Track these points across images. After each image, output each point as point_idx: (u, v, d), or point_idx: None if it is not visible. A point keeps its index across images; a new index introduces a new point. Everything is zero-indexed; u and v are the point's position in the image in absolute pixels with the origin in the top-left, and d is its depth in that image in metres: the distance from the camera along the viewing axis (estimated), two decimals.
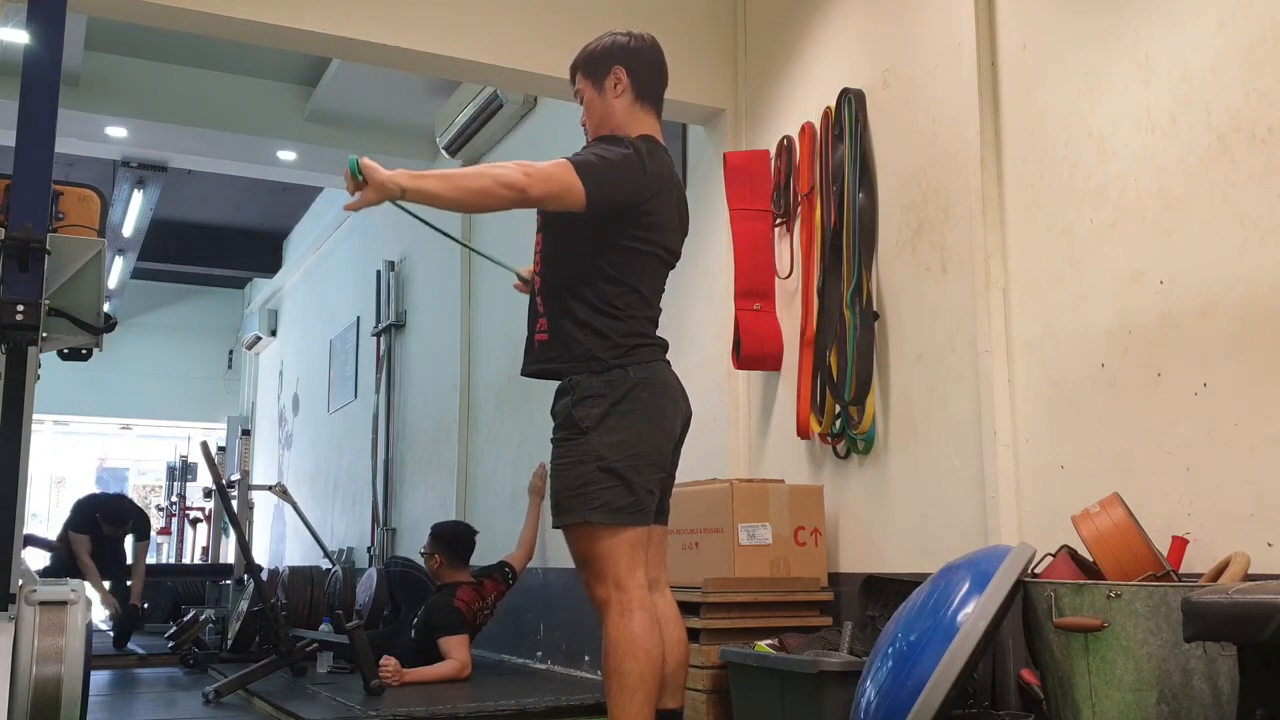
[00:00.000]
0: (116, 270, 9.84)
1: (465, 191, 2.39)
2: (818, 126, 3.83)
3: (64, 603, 2.42)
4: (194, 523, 10.85)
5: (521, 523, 5.31)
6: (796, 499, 3.52)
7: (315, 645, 4.94)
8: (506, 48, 3.99)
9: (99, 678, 5.05)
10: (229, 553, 7.83)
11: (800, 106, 3.97)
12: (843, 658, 2.80)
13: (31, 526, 8.63)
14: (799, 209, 3.87)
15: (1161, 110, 2.69)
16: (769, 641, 3.10)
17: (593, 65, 2.68)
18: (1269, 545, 2.36)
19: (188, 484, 10.67)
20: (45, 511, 13.46)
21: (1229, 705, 2.07)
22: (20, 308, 2.43)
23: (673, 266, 2.69)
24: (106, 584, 6.80)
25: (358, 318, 8.55)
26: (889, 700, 2.29)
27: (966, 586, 2.31)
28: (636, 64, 2.65)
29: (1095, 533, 2.42)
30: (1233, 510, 2.45)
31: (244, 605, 5.70)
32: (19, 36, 3.13)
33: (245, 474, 7.02)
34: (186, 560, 10.78)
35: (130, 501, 6.97)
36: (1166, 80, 2.69)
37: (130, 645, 6.38)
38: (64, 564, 6.42)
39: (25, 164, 2.54)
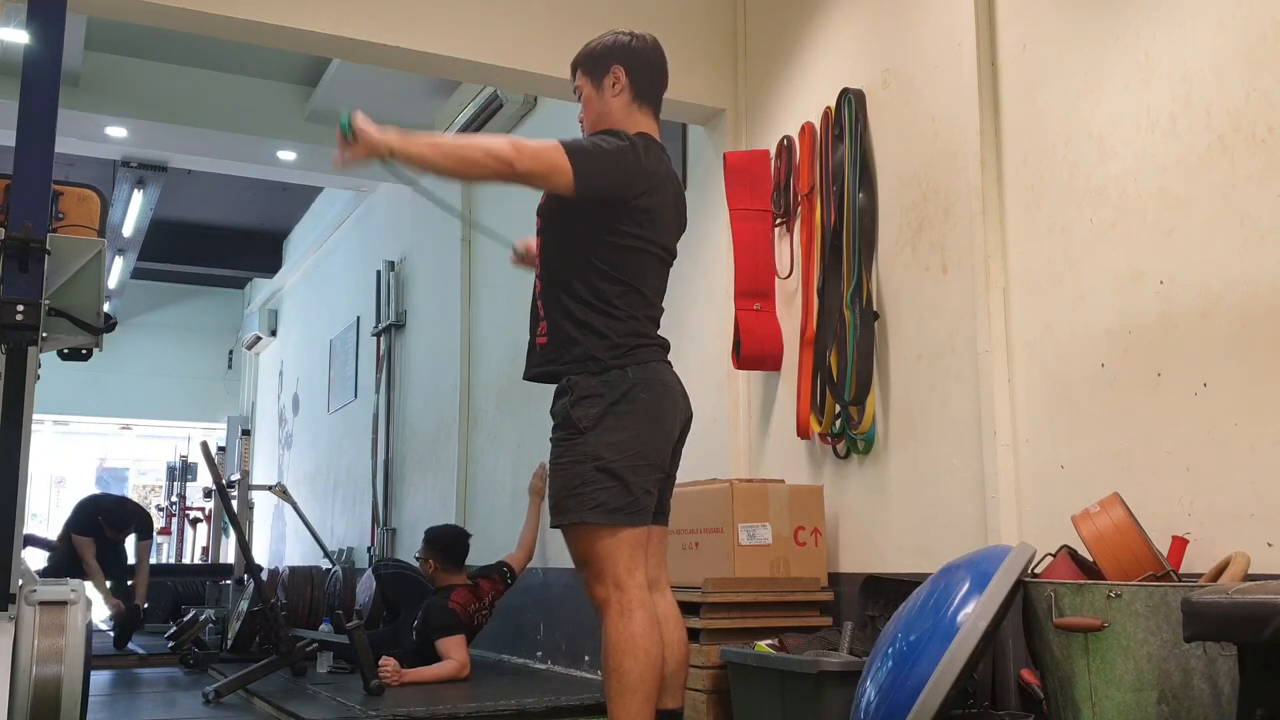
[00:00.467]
0: (116, 270, 9.84)
1: (453, 159, 2.40)
2: (818, 126, 3.83)
3: (64, 603, 2.42)
4: (194, 523, 10.85)
5: (521, 523, 5.31)
6: (796, 499, 3.52)
7: (315, 645, 4.94)
8: (506, 48, 4.00)
9: (99, 678, 5.05)
10: (229, 553, 7.84)
11: (800, 106, 3.98)
12: (843, 658, 2.80)
13: (31, 526, 8.62)
14: (799, 209, 3.87)
15: (1161, 110, 2.69)
16: (769, 641, 3.10)
17: (592, 63, 2.68)
18: (1269, 545, 2.36)
19: (188, 484, 10.68)
20: (45, 511, 13.46)
21: (1229, 705, 2.07)
22: (20, 308, 2.43)
23: (670, 265, 2.69)
24: (108, 584, 6.80)
25: (358, 318, 8.55)
26: (889, 700, 2.29)
27: (966, 586, 2.31)
28: (636, 64, 2.65)
29: (1095, 533, 2.42)
30: (1233, 510, 2.45)
31: (244, 605, 5.70)
32: (19, 36, 3.13)
33: (245, 474, 7.02)
34: (186, 560, 10.78)
35: (132, 504, 6.96)
36: (1166, 80, 2.69)
37: (130, 645, 6.37)
38: (63, 564, 6.41)
39: (25, 164, 2.54)
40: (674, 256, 2.71)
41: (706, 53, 4.33)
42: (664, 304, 2.69)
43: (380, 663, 4.21)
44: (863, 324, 3.50)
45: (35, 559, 6.52)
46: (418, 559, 5.15)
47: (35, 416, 2.51)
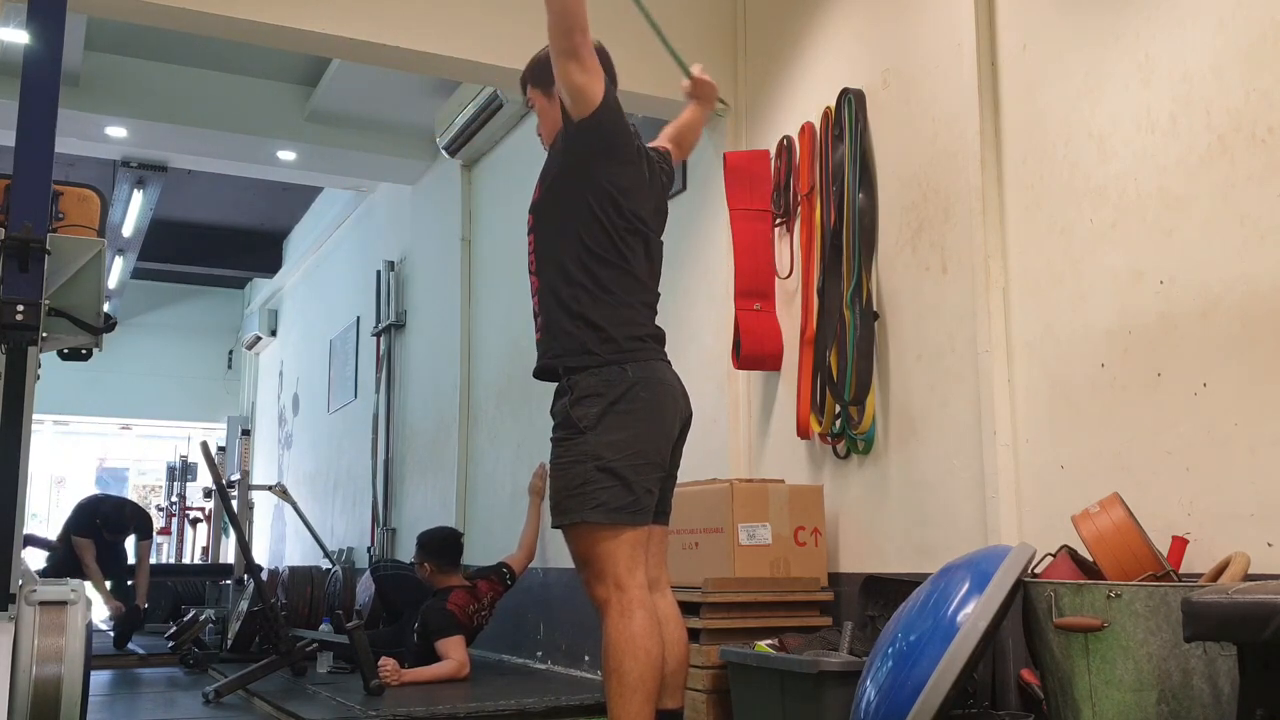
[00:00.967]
0: (116, 270, 9.83)
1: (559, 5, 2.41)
2: (818, 126, 3.83)
3: (64, 603, 2.42)
4: (194, 523, 10.85)
5: (521, 523, 5.31)
6: (796, 499, 3.52)
7: (315, 645, 4.94)
8: (506, 48, 3.99)
9: (99, 678, 5.05)
10: (229, 553, 7.84)
11: (800, 106, 3.98)
12: (843, 658, 2.80)
13: (31, 526, 8.62)
14: (799, 209, 3.87)
15: (1161, 110, 2.69)
16: (769, 641, 3.10)
17: (539, 74, 2.72)
18: (1269, 545, 2.36)
19: (188, 484, 10.67)
20: (45, 511, 13.46)
21: (1229, 705, 2.07)
22: (20, 308, 2.43)
23: (658, 241, 2.70)
24: (108, 584, 6.80)
25: (358, 318, 8.55)
26: (889, 700, 2.29)
27: (966, 586, 2.31)
28: None
29: (1095, 533, 2.42)
30: (1233, 510, 2.45)
31: (244, 605, 5.70)
32: (19, 36, 3.13)
33: (245, 474, 7.02)
34: (186, 560, 10.78)
35: (131, 506, 6.96)
36: (1166, 80, 2.69)
37: (130, 645, 6.38)
38: (63, 564, 6.42)
39: (25, 164, 2.54)
40: (661, 228, 2.73)
41: (706, 53, 4.32)
42: (663, 305, 2.69)
43: (380, 663, 4.21)
44: (863, 324, 3.50)
45: (35, 559, 6.53)
46: (413, 564, 5.16)
47: (35, 416, 2.51)
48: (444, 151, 6.41)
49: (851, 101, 3.66)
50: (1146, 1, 2.76)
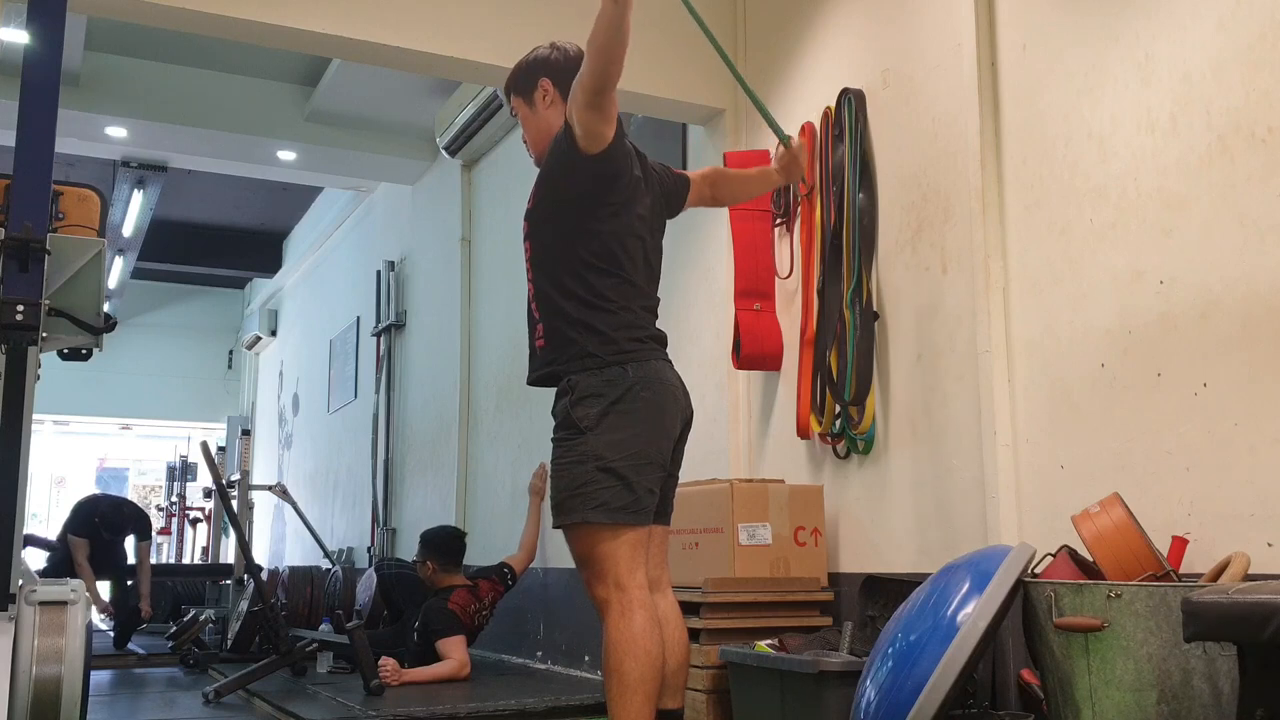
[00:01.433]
0: (116, 270, 9.84)
1: (600, 45, 2.33)
2: (818, 126, 3.83)
3: (64, 603, 2.42)
4: (194, 523, 10.85)
5: (522, 523, 5.31)
6: (796, 499, 3.52)
7: (315, 645, 4.94)
8: (506, 48, 3.99)
9: (99, 678, 5.06)
10: (229, 553, 7.84)
11: (800, 106, 3.97)
12: (843, 658, 2.80)
13: (31, 526, 8.64)
14: (799, 209, 3.87)
15: (1161, 110, 2.69)
16: (769, 641, 3.10)
17: (520, 82, 2.74)
18: (1269, 545, 2.36)
19: (188, 484, 10.67)
20: (45, 511, 13.47)
21: (1229, 705, 2.07)
22: (20, 308, 2.43)
23: (657, 247, 2.70)
24: (107, 584, 6.80)
25: (358, 318, 8.55)
26: (889, 700, 2.29)
27: (966, 586, 2.31)
28: (558, 72, 2.68)
29: (1095, 533, 2.42)
30: (1233, 510, 2.45)
31: (244, 605, 5.70)
32: (19, 36, 3.13)
33: (245, 474, 7.02)
34: (186, 560, 10.77)
35: (130, 507, 6.96)
36: (1166, 80, 2.69)
37: (130, 645, 6.38)
38: (62, 564, 6.42)
39: (25, 164, 2.54)
40: (660, 234, 2.73)
41: (707, 53, 4.31)
42: (663, 306, 2.69)
43: (380, 663, 4.21)
44: (863, 324, 3.50)
45: (35, 559, 6.53)
46: (415, 562, 5.16)
47: (35, 416, 2.51)
48: (444, 151, 6.41)
49: (851, 101, 3.66)
50: (1146, 1, 2.76)
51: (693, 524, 3.50)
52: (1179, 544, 2.47)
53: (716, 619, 3.29)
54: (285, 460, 10.74)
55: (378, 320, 7.95)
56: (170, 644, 5.81)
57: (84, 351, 2.77)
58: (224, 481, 5.80)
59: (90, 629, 2.50)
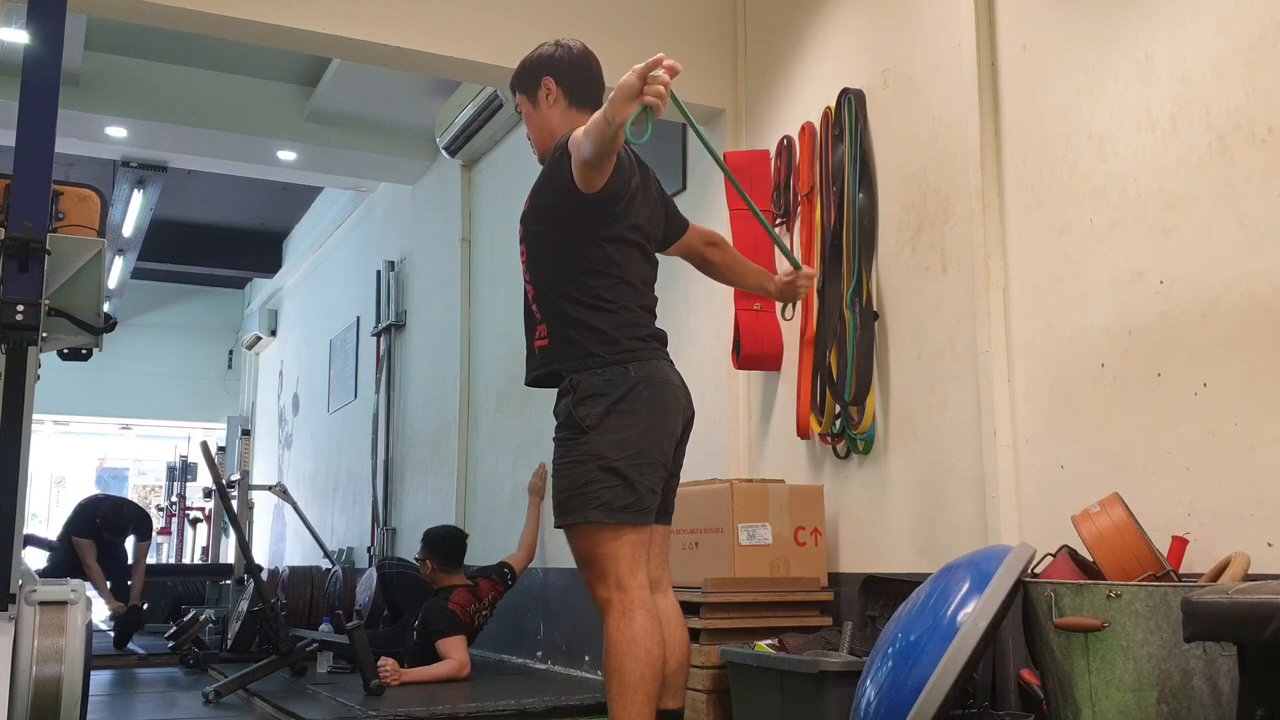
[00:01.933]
0: (116, 270, 9.83)
1: (596, 143, 2.31)
2: (818, 126, 3.83)
3: (64, 603, 2.42)
4: (194, 523, 10.85)
5: (521, 523, 5.31)
6: (796, 499, 3.52)
7: (315, 645, 4.94)
8: (506, 48, 3.99)
9: (99, 678, 5.05)
10: (229, 553, 7.84)
11: (800, 106, 3.98)
12: (843, 658, 2.80)
13: (31, 526, 8.63)
14: (799, 209, 3.87)
15: (1161, 110, 2.69)
16: (769, 641, 3.10)
17: (523, 80, 2.73)
18: (1269, 545, 2.36)
19: (188, 484, 10.67)
20: (45, 511, 13.47)
21: (1229, 705, 2.07)
22: (20, 308, 2.43)
23: (654, 250, 2.70)
24: (109, 585, 6.80)
25: (358, 318, 8.55)
26: (889, 700, 2.29)
27: (966, 586, 2.31)
28: (563, 71, 2.68)
29: (1095, 533, 2.42)
30: (1233, 510, 2.45)
31: (244, 605, 5.70)
32: (19, 36, 3.13)
33: (245, 474, 7.02)
34: (186, 560, 10.78)
35: (131, 507, 6.97)
36: (1166, 80, 2.69)
37: (130, 645, 6.38)
38: (62, 564, 6.42)
39: (25, 164, 2.54)
40: (658, 237, 2.73)
41: (706, 53, 4.33)
42: (663, 306, 2.70)
43: (380, 663, 4.21)
44: (863, 324, 3.50)
45: (35, 559, 6.53)
46: (417, 560, 5.16)
47: (35, 416, 2.51)
48: (444, 151, 6.41)
49: (851, 101, 3.66)
50: (1146, 1, 2.76)
51: (693, 524, 3.50)
52: (1179, 544, 2.47)
53: (716, 619, 3.29)
54: (285, 460, 10.74)
55: (378, 320, 7.95)
56: (170, 644, 5.81)
57: (84, 351, 2.77)
58: (224, 481, 5.80)
59: (90, 629, 2.50)
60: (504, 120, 5.90)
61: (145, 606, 6.84)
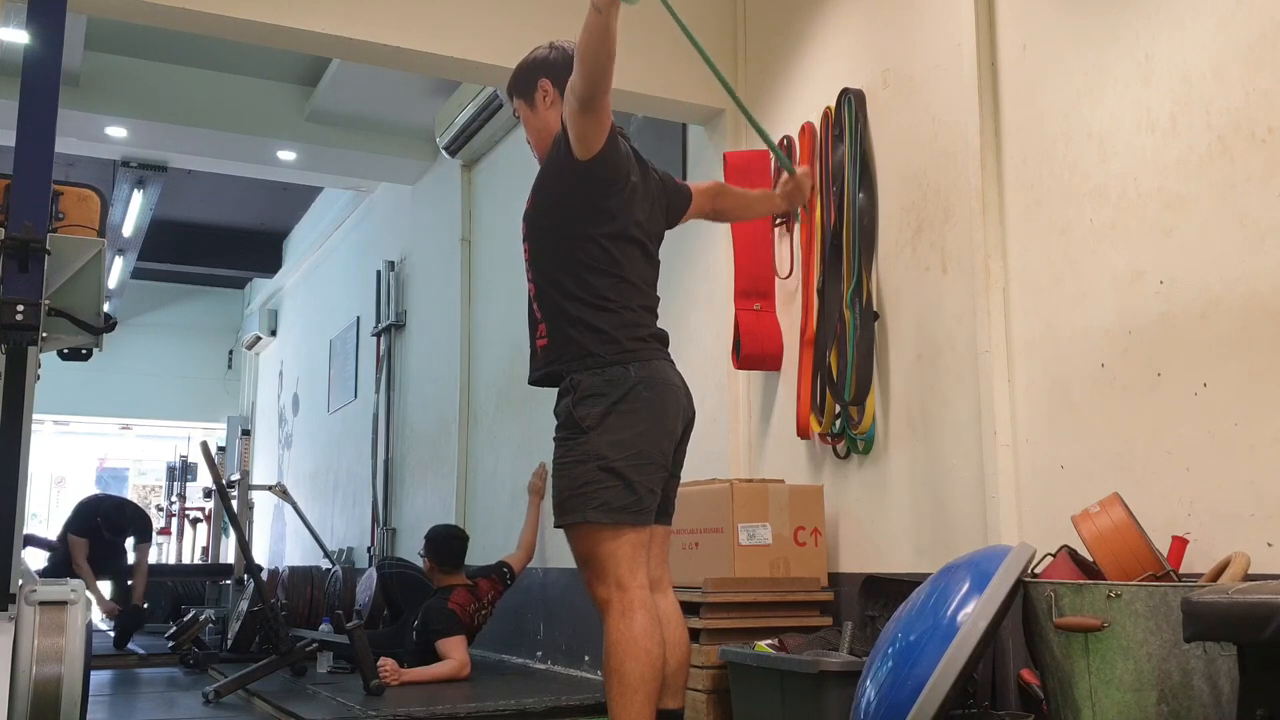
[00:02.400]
0: (116, 270, 9.83)
1: (587, 54, 2.33)
2: (818, 126, 3.83)
3: (64, 603, 2.42)
4: (194, 523, 10.85)
5: (521, 523, 5.31)
6: (796, 499, 3.52)
7: (315, 645, 4.94)
8: (506, 48, 3.99)
9: (99, 678, 5.05)
10: (229, 553, 7.84)
11: (800, 106, 3.98)
12: (843, 658, 2.80)
13: (31, 526, 8.63)
14: (799, 208, 3.87)
15: (1161, 110, 2.69)
16: (769, 641, 3.10)
17: (520, 83, 2.75)
18: (1269, 545, 2.36)
19: (188, 484, 10.67)
20: (45, 511, 13.46)
21: (1229, 705, 2.07)
22: (20, 308, 2.43)
23: (655, 248, 2.70)
24: (107, 584, 6.80)
25: (358, 318, 8.55)
26: (889, 700, 2.29)
27: (966, 586, 2.31)
28: (557, 72, 2.68)
29: (1095, 533, 2.42)
30: (1233, 510, 2.45)
31: (244, 605, 5.70)
32: (19, 36, 3.13)
33: (245, 474, 7.02)
34: (186, 560, 10.77)
35: (132, 507, 6.96)
36: (1166, 80, 2.69)
37: (130, 645, 6.38)
38: (63, 564, 6.43)
39: (25, 164, 2.54)
40: (659, 237, 2.73)
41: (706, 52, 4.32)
42: (663, 306, 2.70)
43: (380, 663, 4.21)
44: (863, 324, 3.50)
45: (35, 559, 6.53)
46: (420, 557, 5.17)
47: (35, 416, 2.51)
48: (444, 151, 6.41)
49: (851, 101, 3.66)
50: (1146, 1, 2.76)
51: (693, 524, 3.50)
52: (1179, 544, 2.47)
53: (716, 619, 3.29)
54: (285, 460, 10.74)
55: (378, 320, 7.95)
56: (170, 644, 5.81)
57: (84, 351, 2.77)
58: (224, 481, 5.80)
59: (90, 629, 2.50)
60: (504, 120, 5.90)
61: (145, 606, 6.84)
